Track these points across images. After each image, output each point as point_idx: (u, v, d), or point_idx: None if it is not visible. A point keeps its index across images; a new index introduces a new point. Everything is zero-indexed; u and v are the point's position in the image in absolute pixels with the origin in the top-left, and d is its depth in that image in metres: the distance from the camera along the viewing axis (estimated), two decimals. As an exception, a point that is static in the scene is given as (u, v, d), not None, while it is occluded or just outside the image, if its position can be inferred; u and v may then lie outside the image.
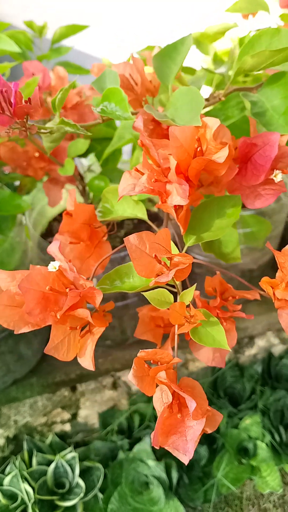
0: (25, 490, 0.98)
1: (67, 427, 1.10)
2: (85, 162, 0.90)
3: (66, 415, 1.07)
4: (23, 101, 0.32)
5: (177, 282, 0.34)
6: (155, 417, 1.11)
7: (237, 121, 0.51)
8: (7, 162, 0.76)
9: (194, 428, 0.30)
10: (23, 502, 1.01)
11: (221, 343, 0.32)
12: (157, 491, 1.03)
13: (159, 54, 0.45)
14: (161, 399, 0.32)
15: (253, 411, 1.15)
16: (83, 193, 0.79)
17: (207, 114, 0.55)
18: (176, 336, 0.36)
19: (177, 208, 0.35)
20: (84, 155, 0.77)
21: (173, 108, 0.39)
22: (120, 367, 0.98)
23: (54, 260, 0.81)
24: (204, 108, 0.53)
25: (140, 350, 0.32)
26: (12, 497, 1.01)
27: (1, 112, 0.31)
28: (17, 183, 0.85)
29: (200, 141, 0.33)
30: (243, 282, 0.40)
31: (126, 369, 1.01)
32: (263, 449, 1.12)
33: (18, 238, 0.78)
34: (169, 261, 0.31)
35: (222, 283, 0.42)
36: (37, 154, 0.72)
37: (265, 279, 0.34)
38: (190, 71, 0.83)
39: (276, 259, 0.34)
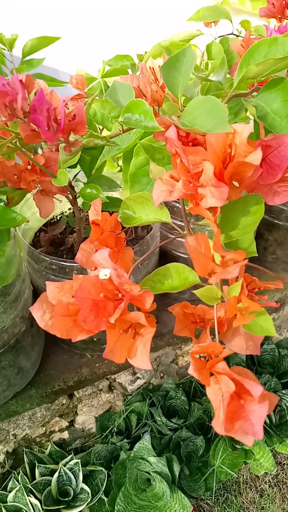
0: (31, 504, 0.98)
1: (65, 435, 1.10)
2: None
3: (64, 423, 1.07)
4: (73, 116, 0.33)
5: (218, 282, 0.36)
6: (152, 414, 1.13)
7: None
8: (-1, 176, 0.75)
9: (259, 411, 0.32)
10: (28, 515, 1.00)
11: (269, 330, 0.35)
12: (161, 486, 1.05)
13: (164, 66, 0.47)
14: (217, 389, 0.34)
15: (243, 397, 1.19)
16: (74, 202, 0.80)
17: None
18: (216, 330, 0.39)
19: (214, 209, 0.38)
20: (74, 165, 0.78)
21: (191, 116, 0.42)
22: (117, 369, 1.00)
23: (54, 271, 0.81)
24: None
25: (195, 345, 0.35)
26: (17, 512, 1.00)
27: (47, 129, 0.32)
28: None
29: (230, 146, 0.36)
30: (268, 272, 0.43)
31: (122, 371, 1.03)
32: (255, 433, 1.16)
33: (13, 251, 0.78)
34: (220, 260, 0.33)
35: (247, 276, 0.44)
36: (29, 167, 0.72)
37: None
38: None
39: None
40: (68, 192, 0.79)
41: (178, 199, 0.38)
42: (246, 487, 1.19)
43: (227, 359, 1.25)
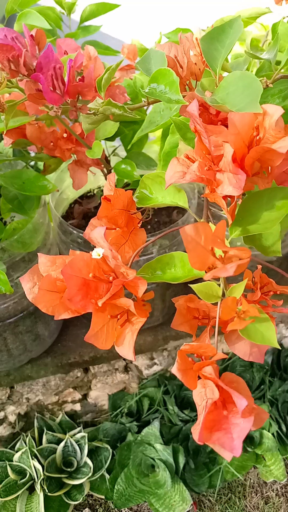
0: (34, 467, 1.00)
1: (77, 407, 1.11)
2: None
3: (77, 395, 1.07)
4: (76, 79, 0.30)
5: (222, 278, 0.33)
6: (165, 402, 1.11)
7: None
8: (34, 142, 0.74)
9: (242, 426, 0.29)
10: (31, 478, 1.02)
11: (270, 340, 0.32)
12: (163, 474, 1.04)
13: (207, 36, 0.43)
14: (203, 394, 0.31)
15: (261, 401, 1.15)
16: (108, 175, 0.78)
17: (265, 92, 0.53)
18: (216, 330, 0.35)
19: (227, 198, 0.34)
20: (112, 138, 0.75)
21: (225, 93, 0.38)
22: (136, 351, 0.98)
23: (80, 244, 0.79)
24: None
25: (184, 343, 0.32)
26: (21, 472, 1.02)
27: (52, 89, 0.29)
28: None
29: (258, 129, 0.32)
30: (286, 275, 0.39)
31: (139, 354, 1.01)
32: (269, 438, 1.12)
33: (42, 219, 0.77)
34: (223, 255, 0.30)
35: (263, 277, 0.40)
36: (65, 135, 0.70)
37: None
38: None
39: None
40: (103, 166, 0.77)
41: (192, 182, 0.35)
42: (252, 491, 1.15)
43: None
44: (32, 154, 0.79)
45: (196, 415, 1.12)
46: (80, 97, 0.32)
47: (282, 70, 0.45)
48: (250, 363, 1.20)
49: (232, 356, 1.19)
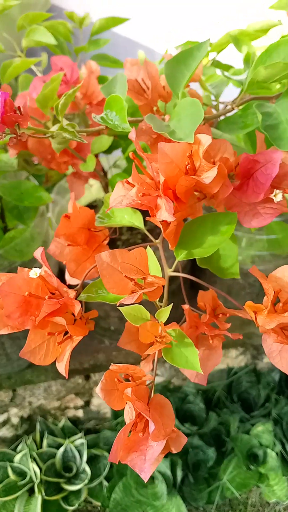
0: (33, 470, 1.02)
1: (80, 413, 1.13)
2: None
3: (79, 402, 1.09)
4: (17, 109, 0.32)
5: (156, 300, 0.34)
6: (166, 414, 1.11)
7: (257, 128, 0.50)
8: (35, 154, 0.77)
9: (154, 449, 0.30)
10: (31, 480, 1.04)
11: (194, 365, 0.32)
12: (161, 486, 1.04)
13: (173, 60, 0.44)
14: (127, 415, 0.32)
15: (266, 418, 1.13)
16: (106, 189, 0.80)
17: (228, 119, 0.53)
18: (156, 351, 0.36)
19: (165, 223, 0.35)
20: (108, 151, 0.77)
21: (177, 119, 0.39)
22: (133, 361, 0.99)
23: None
24: (222, 115, 0.51)
25: (112, 364, 0.32)
26: (21, 474, 1.05)
27: (-8, 119, 0.31)
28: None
29: (191, 158, 0.33)
30: (232, 300, 0.39)
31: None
32: (273, 457, 1.10)
33: (39, 228, 0.79)
34: (143, 280, 0.31)
35: (214, 299, 0.41)
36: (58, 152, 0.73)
37: (248, 303, 0.33)
38: (227, 68, 0.81)
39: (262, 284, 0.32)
40: (101, 178, 0.79)
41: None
42: (253, 510, 1.13)
43: (258, 377, 1.18)
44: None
45: (198, 429, 1.11)
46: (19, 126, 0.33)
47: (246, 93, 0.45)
48: (257, 379, 1.18)
49: (238, 371, 1.17)
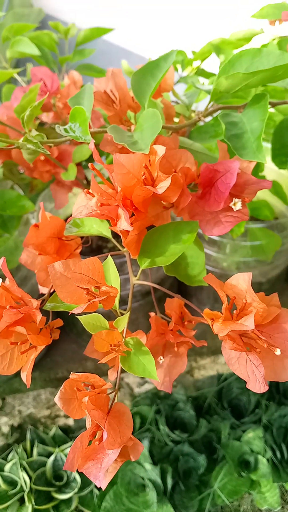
0: (23, 479, 1.02)
1: (70, 421, 1.13)
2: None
3: (69, 410, 1.09)
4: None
5: (116, 307, 0.34)
6: (156, 421, 1.11)
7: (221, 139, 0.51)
8: (18, 163, 0.78)
9: (109, 457, 0.30)
10: (22, 489, 1.04)
11: (151, 373, 0.32)
12: (152, 494, 1.04)
13: (140, 72, 0.45)
14: (87, 423, 0.32)
15: (256, 425, 1.13)
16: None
17: (200, 129, 0.54)
18: (118, 360, 0.36)
19: (125, 232, 0.35)
20: (90, 160, 0.78)
21: (140, 130, 0.39)
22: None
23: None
24: (192, 124, 0.52)
25: (72, 372, 0.33)
26: (12, 483, 1.05)
27: None
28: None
29: (147, 168, 0.33)
30: (195, 309, 0.39)
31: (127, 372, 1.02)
32: (264, 464, 1.09)
33: (23, 237, 0.80)
34: (98, 290, 0.31)
35: (180, 306, 0.41)
36: (42, 158, 0.74)
37: (206, 310, 0.34)
38: (210, 76, 0.82)
39: (217, 292, 0.33)
40: (84, 187, 0.80)
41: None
42: (245, 518, 1.12)
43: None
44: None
45: (188, 436, 1.11)
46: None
47: (211, 104, 0.46)
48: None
49: (228, 377, 1.17)
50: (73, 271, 0.30)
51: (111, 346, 0.33)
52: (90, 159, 0.79)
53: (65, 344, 1.00)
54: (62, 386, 0.33)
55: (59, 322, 0.38)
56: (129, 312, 0.34)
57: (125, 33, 1.37)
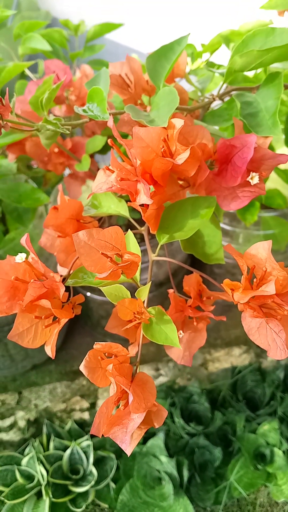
0: (40, 472, 1.03)
1: (86, 415, 1.13)
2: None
3: (85, 404, 1.10)
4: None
5: (137, 278, 0.35)
6: (171, 414, 1.11)
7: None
8: (32, 156, 0.79)
9: (135, 421, 0.31)
10: (39, 483, 1.05)
11: (173, 341, 0.33)
12: (168, 487, 1.04)
13: (154, 54, 0.46)
14: (112, 390, 0.33)
15: (272, 417, 1.12)
16: (102, 188, 0.81)
17: (213, 112, 0.55)
18: (141, 332, 0.37)
19: (145, 206, 0.36)
20: (102, 151, 0.79)
21: (156, 109, 0.40)
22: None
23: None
24: (205, 106, 0.53)
25: (96, 342, 0.34)
26: (29, 477, 1.06)
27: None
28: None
29: (166, 142, 0.34)
30: (215, 283, 0.40)
31: (142, 364, 1.03)
32: (280, 456, 1.09)
33: (38, 230, 0.81)
34: (120, 259, 0.32)
35: (199, 283, 0.42)
36: (56, 150, 0.75)
37: (226, 281, 0.34)
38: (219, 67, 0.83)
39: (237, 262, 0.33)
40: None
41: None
42: (262, 510, 1.12)
43: (263, 375, 1.18)
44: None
45: (203, 429, 1.11)
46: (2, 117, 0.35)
47: (225, 85, 0.47)
48: (262, 378, 1.18)
49: (242, 370, 1.17)
50: (97, 239, 0.31)
51: (134, 314, 0.33)
52: (103, 150, 0.80)
53: (80, 338, 1.01)
54: (86, 355, 0.33)
55: (81, 298, 0.39)
56: (150, 283, 0.35)
57: (130, 32, 1.38)
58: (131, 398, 0.30)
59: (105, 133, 0.75)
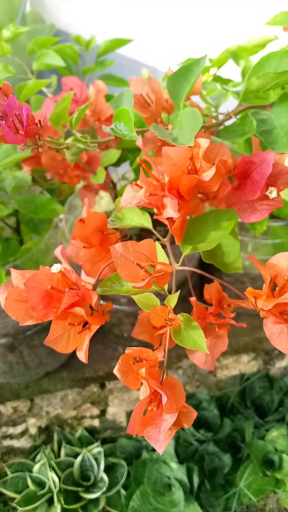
0: (52, 479, 1.04)
1: (96, 422, 1.15)
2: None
3: (95, 411, 1.12)
4: (37, 122, 0.36)
5: (165, 287, 0.37)
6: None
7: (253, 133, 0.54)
8: (48, 169, 0.81)
9: (168, 421, 0.33)
10: (50, 490, 1.06)
11: (201, 346, 0.35)
12: (178, 493, 1.05)
13: (174, 75, 0.48)
14: (143, 393, 0.35)
15: (280, 423, 1.14)
16: (114, 200, 0.84)
17: (227, 128, 0.58)
18: (167, 338, 0.39)
19: (171, 220, 0.38)
20: (116, 164, 0.81)
21: (179, 127, 0.43)
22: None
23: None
24: (221, 123, 0.55)
25: (127, 347, 0.36)
26: (40, 484, 1.07)
27: (15, 132, 0.35)
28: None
29: (192, 159, 0.36)
30: (237, 292, 0.42)
31: (153, 371, 1.04)
32: (288, 463, 1.11)
33: (53, 240, 0.84)
34: (152, 269, 0.34)
35: (219, 291, 0.44)
36: (72, 163, 0.77)
37: (249, 289, 0.37)
38: (227, 82, 0.86)
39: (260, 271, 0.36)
40: (111, 190, 0.83)
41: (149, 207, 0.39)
42: (271, 517, 1.13)
43: (271, 382, 1.20)
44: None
45: (213, 436, 1.13)
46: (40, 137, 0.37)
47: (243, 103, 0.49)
48: (270, 385, 1.19)
49: (251, 377, 1.19)
50: (133, 250, 0.33)
51: (165, 320, 0.36)
52: (117, 163, 0.83)
53: (91, 345, 1.03)
54: (119, 359, 0.35)
55: (110, 306, 0.41)
56: (178, 291, 0.37)
57: (135, 45, 1.42)
58: (164, 399, 0.32)
59: (119, 146, 0.78)
